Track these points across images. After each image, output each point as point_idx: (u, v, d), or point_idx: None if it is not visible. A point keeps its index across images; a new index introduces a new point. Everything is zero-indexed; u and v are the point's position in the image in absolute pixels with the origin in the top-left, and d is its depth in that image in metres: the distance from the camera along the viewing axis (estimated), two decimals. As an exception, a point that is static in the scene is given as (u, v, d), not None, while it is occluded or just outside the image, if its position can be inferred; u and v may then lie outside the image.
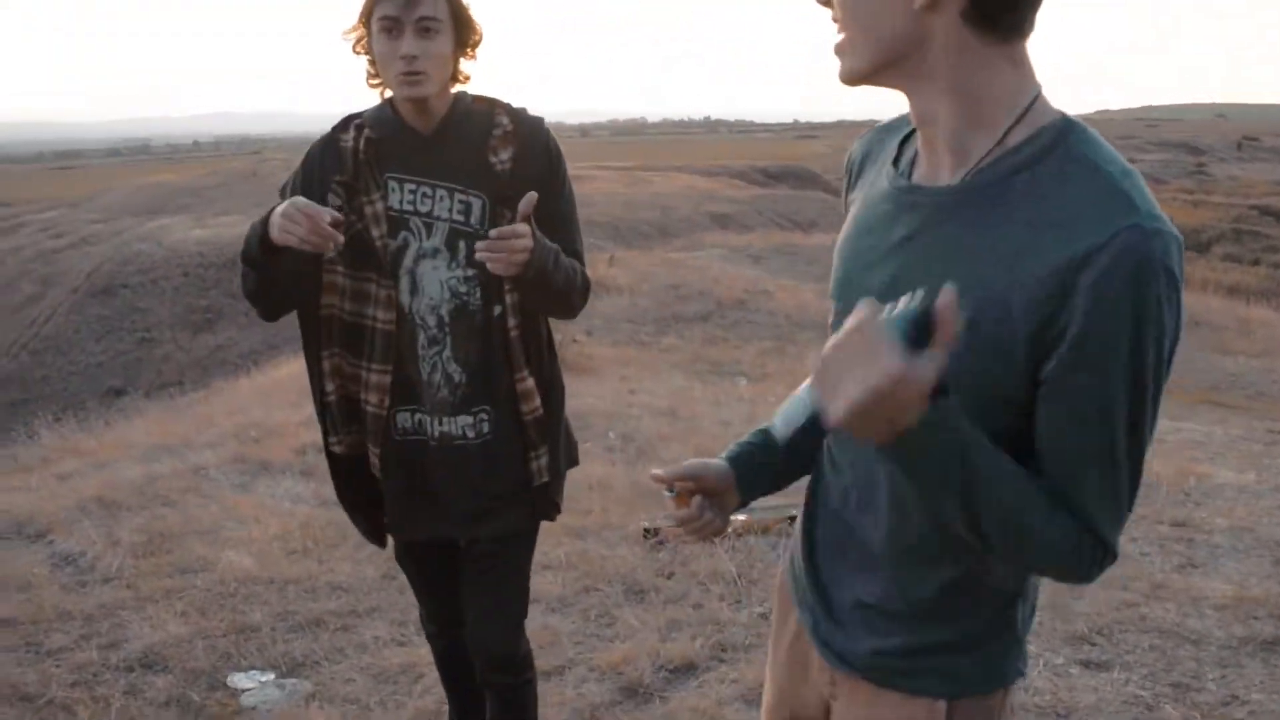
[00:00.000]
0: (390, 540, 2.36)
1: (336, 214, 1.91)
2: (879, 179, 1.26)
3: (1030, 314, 1.05)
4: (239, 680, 3.26)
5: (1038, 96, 1.11)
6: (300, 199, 1.90)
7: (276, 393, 9.14)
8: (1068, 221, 1.03)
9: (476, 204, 2.06)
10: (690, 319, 14.58)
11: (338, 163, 2.07)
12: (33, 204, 37.52)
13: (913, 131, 1.22)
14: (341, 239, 1.92)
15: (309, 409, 6.70)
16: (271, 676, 3.30)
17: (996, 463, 1.09)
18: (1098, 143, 1.08)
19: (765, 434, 1.47)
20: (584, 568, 4.05)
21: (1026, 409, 1.10)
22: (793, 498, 1.47)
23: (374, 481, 2.22)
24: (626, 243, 23.53)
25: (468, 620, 2.30)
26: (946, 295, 0.98)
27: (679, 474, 1.39)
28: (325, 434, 2.22)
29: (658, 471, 1.38)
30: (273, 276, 2.03)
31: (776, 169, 52.55)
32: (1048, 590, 3.71)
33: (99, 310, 24.49)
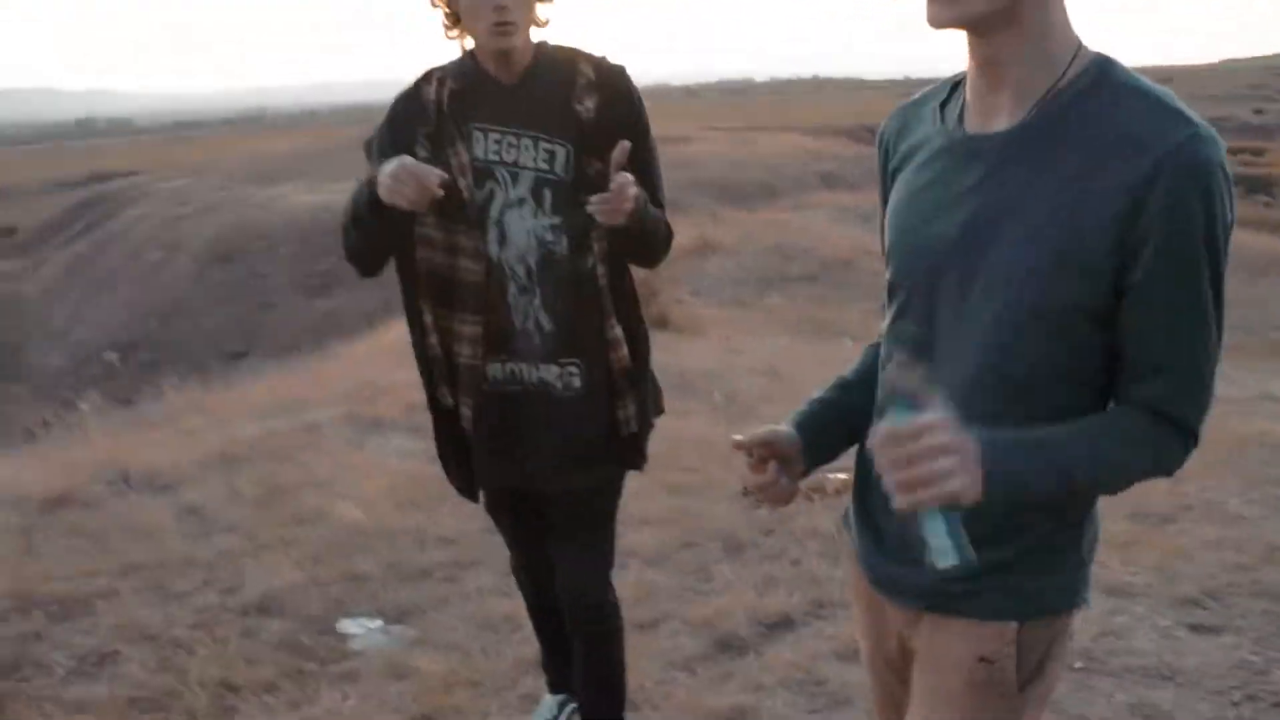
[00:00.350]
0: (482, 492, 2.42)
1: (443, 174, 1.95)
2: (927, 142, 1.31)
3: (1108, 231, 1.13)
4: (348, 626, 3.40)
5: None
6: (408, 159, 1.94)
7: (388, 353, 9.38)
8: (1131, 141, 1.12)
9: (561, 152, 2.08)
10: (795, 279, 14.47)
11: (421, 115, 2.11)
12: (158, 172, 38.98)
13: (950, 96, 1.30)
14: (443, 196, 1.95)
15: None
16: (379, 623, 3.43)
17: (1078, 443, 1.18)
18: (1134, 73, 1.18)
19: (838, 387, 1.50)
20: (683, 524, 4.09)
21: (1108, 320, 1.18)
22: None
23: (464, 435, 2.27)
24: (734, 204, 23.36)
25: (556, 568, 2.35)
26: (902, 364, 1.17)
27: (755, 440, 1.39)
28: (431, 387, 2.27)
29: (738, 437, 1.39)
30: (379, 235, 2.08)
31: (886, 126, 51.38)
32: (1156, 553, 3.65)
33: (221, 276, 25.44)
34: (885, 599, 1.42)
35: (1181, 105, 1.14)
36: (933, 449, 1.06)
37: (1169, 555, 3.65)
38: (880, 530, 1.40)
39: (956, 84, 1.31)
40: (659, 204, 2.14)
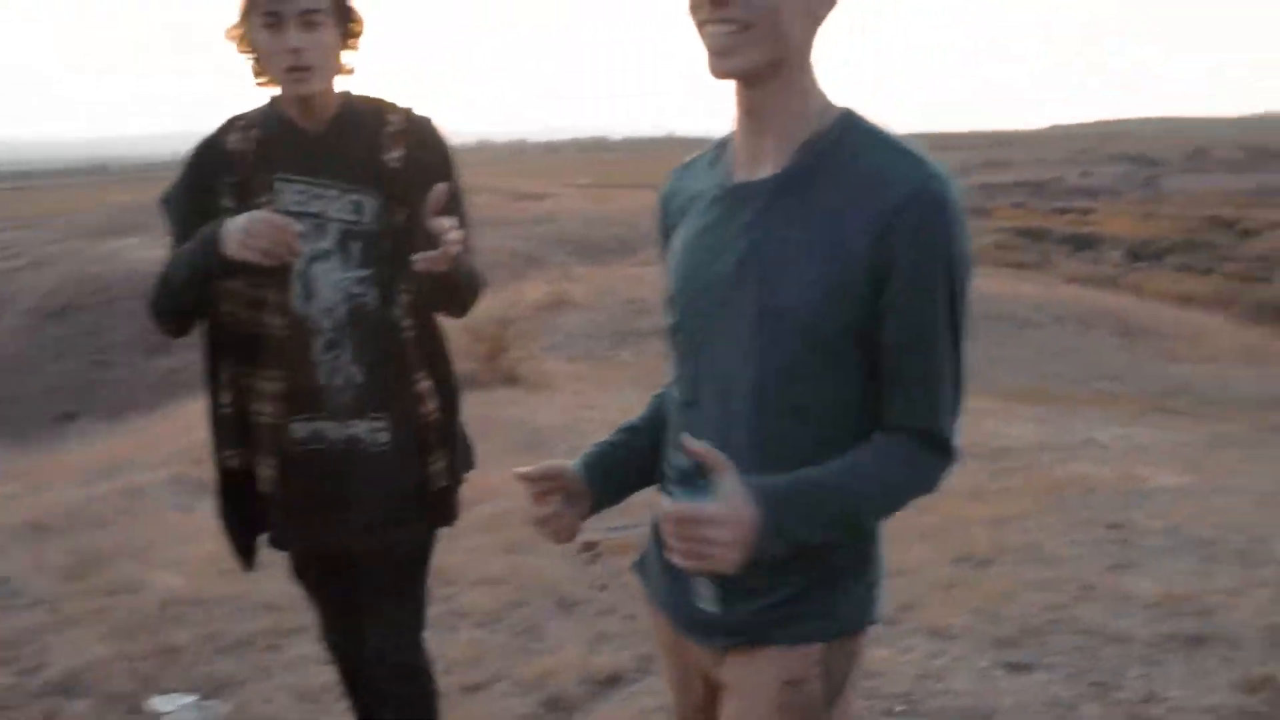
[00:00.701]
0: (287, 555, 2.32)
1: (296, 223, 1.88)
2: (701, 195, 1.41)
3: (863, 257, 1.24)
4: (158, 703, 3.21)
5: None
6: (260, 212, 1.87)
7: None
8: (880, 179, 1.25)
9: (369, 203, 2.03)
10: (648, 333, 14.59)
11: (225, 165, 2.04)
12: (-13, 225, 37.00)
13: (719, 154, 1.41)
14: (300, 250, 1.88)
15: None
16: (193, 699, 3.24)
17: (848, 485, 1.28)
18: (875, 124, 1.32)
19: (625, 431, 1.55)
20: (517, 581, 4.03)
21: (873, 344, 1.28)
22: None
23: (253, 499, 2.17)
24: (590, 259, 23.54)
25: (366, 630, 2.26)
26: (691, 446, 1.22)
27: (538, 473, 1.41)
28: (218, 449, 2.17)
29: (520, 470, 1.40)
30: (203, 294, 1.99)
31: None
32: (977, 595, 3.78)
33: (55, 331, 24.21)
34: (692, 641, 1.45)
35: (918, 149, 1.28)
36: (709, 538, 1.18)
37: (989, 597, 3.77)
38: (691, 586, 1.42)
39: (723, 144, 1.42)
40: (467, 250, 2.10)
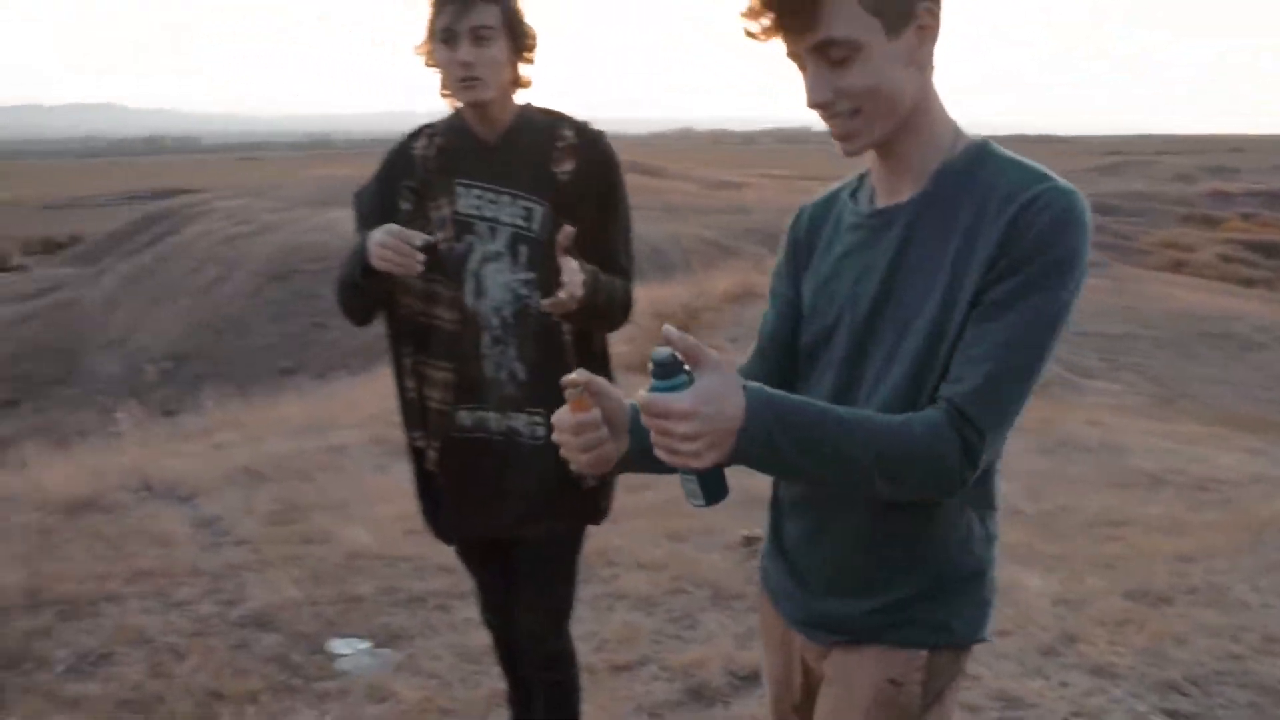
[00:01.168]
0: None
1: (428, 238, 2.05)
2: (841, 222, 1.49)
3: (984, 263, 1.30)
4: (337, 645, 3.49)
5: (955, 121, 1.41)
6: (394, 226, 2.06)
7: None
8: (1007, 194, 1.31)
9: (538, 210, 2.18)
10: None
11: (408, 169, 2.23)
12: (220, 191, 39.89)
13: (858, 186, 1.49)
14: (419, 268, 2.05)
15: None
16: (367, 645, 3.51)
17: (856, 417, 1.28)
18: (1009, 151, 1.39)
19: None
20: (675, 569, 4.14)
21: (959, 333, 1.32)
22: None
23: (431, 480, 2.35)
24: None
25: (519, 612, 2.40)
26: (671, 335, 1.20)
27: (590, 382, 1.34)
28: (407, 429, 2.35)
29: (570, 376, 1.33)
30: (371, 294, 2.19)
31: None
32: (1147, 634, 3.63)
33: (276, 294, 25.95)
34: (804, 636, 1.53)
35: (1046, 169, 1.34)
36: (675, 432, 1.18)
37: (1160, 638, 3.62)
38: (803, 573, 1.51)
39: (862, 176, 1.51)
40: (622, 270, 2.21)
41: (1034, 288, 1.27)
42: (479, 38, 2.10)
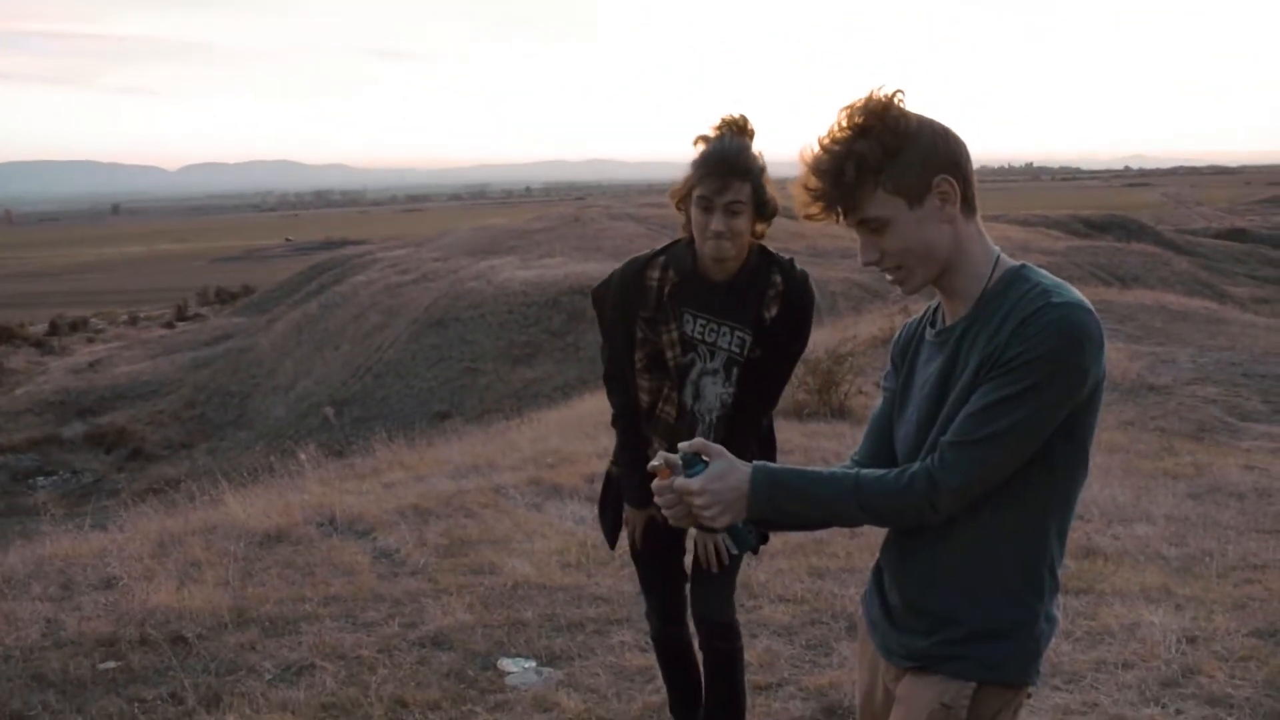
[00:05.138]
0: (624, 539, 2.96)
1: (656, 464, 2.55)
2: (924, 339, 1.85)
3: (981, 359, 1.65)
4: (506, 664, 3.88)
5: (998, 252, 1.74)
6: (638, 534, 2.86)
7: (576, 424, 10.02)
8: (1019, 310, 1.64)
9: (748, 340, 2.68)
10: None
11: (643, 299, 2.72)
12: (384, 243, 41.94)
13: (938, 308, 1.84)
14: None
15: (603, 440, 7.36)
16: (533, 664, 3.89)
17: (840, 476, 1.70)
18: (1041, 272, 1.70)
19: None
20: (815, 603, 4.40)
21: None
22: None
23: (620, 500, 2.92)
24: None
25: (692, 597, 2.89)
26: (695, 445, 1.71)
27: (667, 460, 1.73)
28: (615, 460, 2.93)
29: (654, 463, 1.75)
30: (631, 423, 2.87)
31: (1100, 219, 49.81)
32: (1268, 670, 3.67)
33: (433, 340, 27.15)
34: (885, 659, 1.85)
35: (1057, 287, 1.64)
36: (698, 505, 1.67)
37: (1283, 673, 3.68)
38: (891, 608, 1.84)
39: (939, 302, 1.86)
40: (773, 398, 2.80)
41: (1010, 382, 1.59)
42: (731, 211, 2.55)
